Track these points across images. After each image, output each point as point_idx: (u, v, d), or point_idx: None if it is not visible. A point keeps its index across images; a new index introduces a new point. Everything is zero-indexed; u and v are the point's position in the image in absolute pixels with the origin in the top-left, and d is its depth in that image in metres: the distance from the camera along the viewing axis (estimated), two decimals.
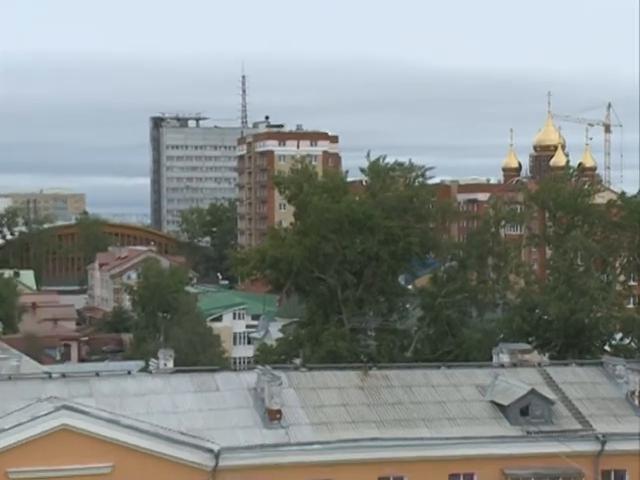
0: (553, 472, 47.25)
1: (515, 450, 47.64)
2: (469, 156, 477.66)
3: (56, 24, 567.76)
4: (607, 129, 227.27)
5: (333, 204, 68.89)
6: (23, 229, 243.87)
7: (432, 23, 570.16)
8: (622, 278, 75.16)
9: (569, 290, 66.88)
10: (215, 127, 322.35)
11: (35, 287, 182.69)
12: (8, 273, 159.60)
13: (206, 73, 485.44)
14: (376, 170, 74.24)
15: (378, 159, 74.80)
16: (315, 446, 46.41)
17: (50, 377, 52.54)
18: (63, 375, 53.20)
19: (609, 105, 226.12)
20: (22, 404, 45.42)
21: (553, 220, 77.26)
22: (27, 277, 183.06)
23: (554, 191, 77.28)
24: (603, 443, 48.01)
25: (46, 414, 44.40)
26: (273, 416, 47.31)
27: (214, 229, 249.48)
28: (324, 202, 68.90)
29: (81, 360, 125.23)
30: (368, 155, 75.31)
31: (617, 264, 74.51)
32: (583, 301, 65.76)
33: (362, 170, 75.71)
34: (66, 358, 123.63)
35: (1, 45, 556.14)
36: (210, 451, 44.95)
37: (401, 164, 75.46)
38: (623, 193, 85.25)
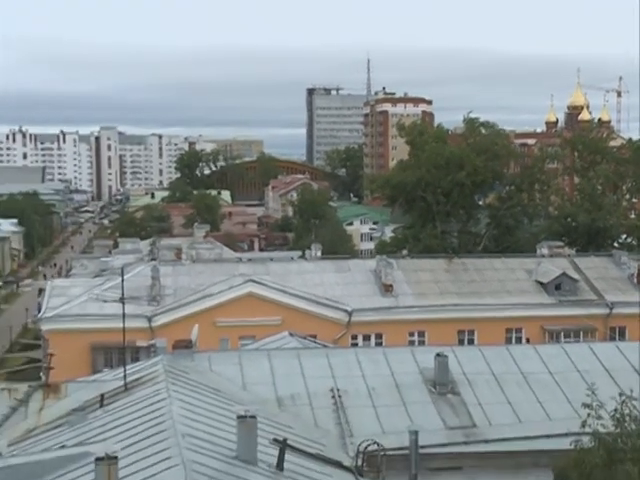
0: (576, 327, 46.85)
1: (551, 313, 47.38)
2: (523, 113, 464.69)
3: (247, 22, 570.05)
4: (619, 94, 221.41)
5: (441, 148, 68.48)
6: (223, 164, 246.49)
7: (499, 20, 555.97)
8: (627, 197, 73.98)
9: (591, 205, 66.20)
10: (349, 95, 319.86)
11: (230, 202, 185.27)
12: (213, 192, 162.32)
13: (343, 57, 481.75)
14: (470, 124, 73.28)
15: (474, 118, 73.41)
16: (415, 309, 46.73)
17: (241, 261, 53.73)
18: (249, 260, 54.42)
19: (620, 77, 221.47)
20: (223, 277, 46.70)
21: (580, 157, 75.90)
22: (225, 195, 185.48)
23: (581, 137, 76.54)
24: (611, 308, 47.64)
25: (238, 285, 45.50)
26: (387, 289, 47.67)
27: (348, 163, 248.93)
28: (436, 147, 68.61)
29: (260, 250, 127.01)
30: (469, 113, 73.87)
31: (624, 188, 73.22)
32: (600, 213, 65.02)
33: (464, 120, 74.09)
34: (251, 248, 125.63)
35: (231, 39, 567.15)
36: (345, 311, 45.59)
37: (487, 121, 74.38)
38: (630, 139, 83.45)
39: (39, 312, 45.71)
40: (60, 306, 44.30)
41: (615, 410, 17.94)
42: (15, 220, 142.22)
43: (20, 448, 19.79)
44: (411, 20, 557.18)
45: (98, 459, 14.97)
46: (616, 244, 66.40)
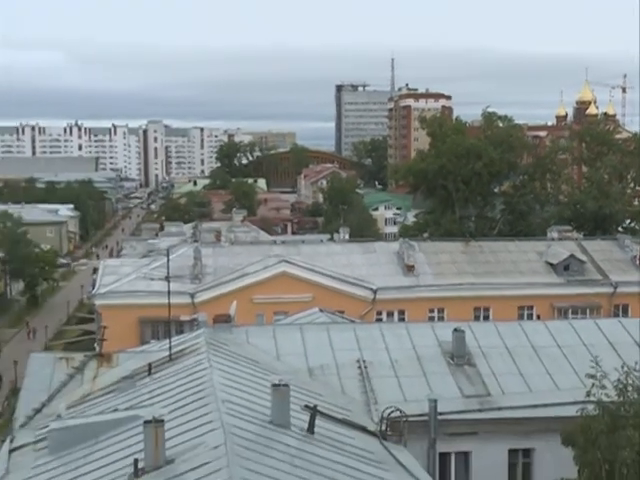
0: (583, 305, 46.54)
1: (560, 291, 47.05)
2: (535, 108, 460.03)
3: (274, 24, 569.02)
4: (624, 90, 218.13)
5: (460, 139, 67.88)
6: (259, 154, 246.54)
7: (511, 21, 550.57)
8: (632, 186, 73.15)
9: (598, 193, 65.59)
10: (374, 91, 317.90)
11: (266, 189, 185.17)
12: (250, 180, 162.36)
13: (370, 56, 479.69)
14: (488, 117, 72.44)
15: (491, 112, 72.45)
16: (434, 287, 46.63)
17: (275, 243, 53.89)
18: (283, 242, 54.52)
19: (625, 75, 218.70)
20: (259, 258, 46.86)
21: (588, 149, 75.08)
22: (261, 183, 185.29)
23: (589, 130, 75.69)
24: (615, 287, 47.22)
25: (273, 264, 45.59)
26: (409, 269, 47.60)
27: (373, 154, 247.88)
28: (456, 138, 67.98)
29: (293, 233, 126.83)
30: (487, 108, 72.73)
31: (629, 177, 72.42)
32: (607, 201, 64.41)
33: (482, 115, 72.70)
34: (284, 232, 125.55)
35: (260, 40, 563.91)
36: (371, 289, 45.59)
37: (505, 115, 73.33)
38: (635, 133, 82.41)
39: (93, 289, 46.23)
40: (112, 283, 44.80)
41: (618, 380, 17.91)
42: (71, 206, 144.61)
43: (77, 411, 20.12)
44: (432, 21, 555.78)
45: (146, 422, 15.19)
46: (621, 229, 65.88)
